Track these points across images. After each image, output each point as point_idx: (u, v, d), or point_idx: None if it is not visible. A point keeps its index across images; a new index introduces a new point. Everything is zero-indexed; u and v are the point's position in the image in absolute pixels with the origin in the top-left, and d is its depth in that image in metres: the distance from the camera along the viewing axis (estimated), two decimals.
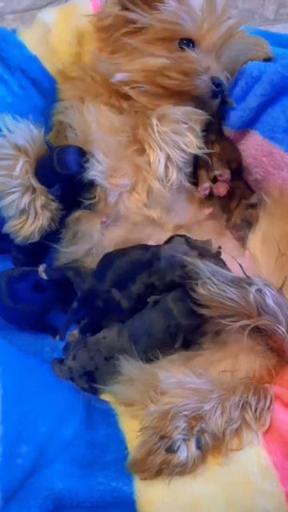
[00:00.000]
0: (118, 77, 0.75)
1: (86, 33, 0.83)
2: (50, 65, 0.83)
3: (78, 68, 0.83)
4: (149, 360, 0.67)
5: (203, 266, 0.62)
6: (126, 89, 0.75)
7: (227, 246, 0.76)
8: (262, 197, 0.77)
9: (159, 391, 0.59)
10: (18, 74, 0.82)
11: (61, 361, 0.76)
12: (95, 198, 0.76)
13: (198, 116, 0.75)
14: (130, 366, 0.67)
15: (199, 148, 0.74)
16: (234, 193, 0.83)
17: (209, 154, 0.77)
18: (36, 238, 0.77)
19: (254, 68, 0.74)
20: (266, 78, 0.72)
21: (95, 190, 0.75)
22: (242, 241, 0.79)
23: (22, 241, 0.77)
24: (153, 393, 0.60)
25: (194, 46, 0.75)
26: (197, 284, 0.61)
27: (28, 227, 0.75)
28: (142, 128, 0.73)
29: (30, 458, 0.59)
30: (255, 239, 0.76)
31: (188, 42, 0.75)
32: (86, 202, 0.76)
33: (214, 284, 0.60)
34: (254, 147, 0.76)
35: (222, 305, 0.60)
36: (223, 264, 0.67)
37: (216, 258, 0.67)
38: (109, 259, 0.73)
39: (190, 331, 0.66)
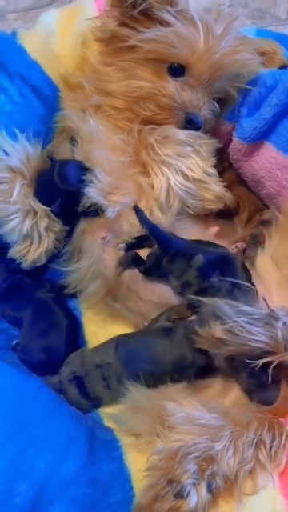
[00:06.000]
0: (94, 100, 0.74)
1: (91, 35, 0.78)
2: (52, 71, 0.79)
3: (80, 74, 0.78)
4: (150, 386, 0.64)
5: (227, 308, 0.58)
6: (105, 107, 0.74)
7: None
8: (275, 212, 0.73)
9: (167, 425, 0.56)
10: (18, 80, 0.77)
11: None
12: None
13: (203, 140, 0.72)
14: (136, 393, 0.64)
15: (206, 173, 0.71)
16: (241, 205, 0.80)
17: None
18: (43, 260, 0.75)
19: (269, 77, 0.70)
20: (282, 87, 0.69)
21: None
22: (248, 259, 0.74)
23: (30, 265, 0.74)
24: (160, 427, 0.57)
25: (184, 71, 0.72)
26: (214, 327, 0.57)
27: (34, 251, 0.73)
28: (145, 152, 0.70)
29: (28, 497, 0.56)
30: (265, 258, 0.72)
31: (179, 67, 0.71)
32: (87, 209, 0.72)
33: (241, 327, 0.55)
34: (267, 160, 0.73)
35: (247, 346, 0.56)
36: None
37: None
38: None
39: (203, 369, 0.63)
